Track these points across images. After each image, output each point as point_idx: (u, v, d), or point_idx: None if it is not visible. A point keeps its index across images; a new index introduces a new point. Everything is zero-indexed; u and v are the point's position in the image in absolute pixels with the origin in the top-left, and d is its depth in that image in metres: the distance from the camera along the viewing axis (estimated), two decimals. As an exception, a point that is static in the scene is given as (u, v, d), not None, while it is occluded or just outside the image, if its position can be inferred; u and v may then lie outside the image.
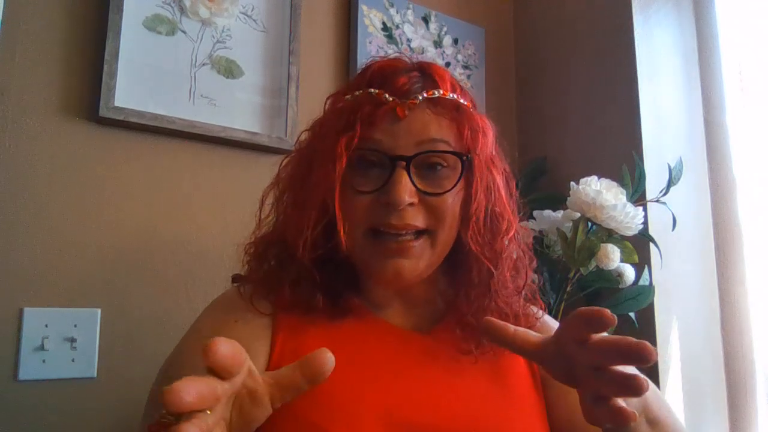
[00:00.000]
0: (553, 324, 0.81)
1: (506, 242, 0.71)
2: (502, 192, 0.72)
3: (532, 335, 0.51)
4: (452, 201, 0.68)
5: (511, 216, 0.72)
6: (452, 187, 0.67)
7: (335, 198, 0.65)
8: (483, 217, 0.69)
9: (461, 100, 0.70)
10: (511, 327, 0.51)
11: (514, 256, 0.73)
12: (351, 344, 0.69)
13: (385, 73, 0.70)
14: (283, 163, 0.76)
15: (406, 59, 0.74)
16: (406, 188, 0.64)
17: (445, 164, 0.67)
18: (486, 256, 0.69)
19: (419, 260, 0.67)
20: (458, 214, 0.69)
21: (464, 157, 0.68)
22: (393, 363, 0.68)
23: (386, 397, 0.64)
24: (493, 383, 0.70)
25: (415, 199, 0.65)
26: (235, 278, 0.78)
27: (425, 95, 0.67)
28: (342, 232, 0.65)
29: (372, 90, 0.68)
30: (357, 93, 0.69)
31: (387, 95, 0.67)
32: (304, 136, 0.76)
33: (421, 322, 0.74)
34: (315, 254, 0.67)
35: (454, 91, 0.70)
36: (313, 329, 0.68)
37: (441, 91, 0.69)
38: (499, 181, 0.72)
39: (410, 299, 0.74)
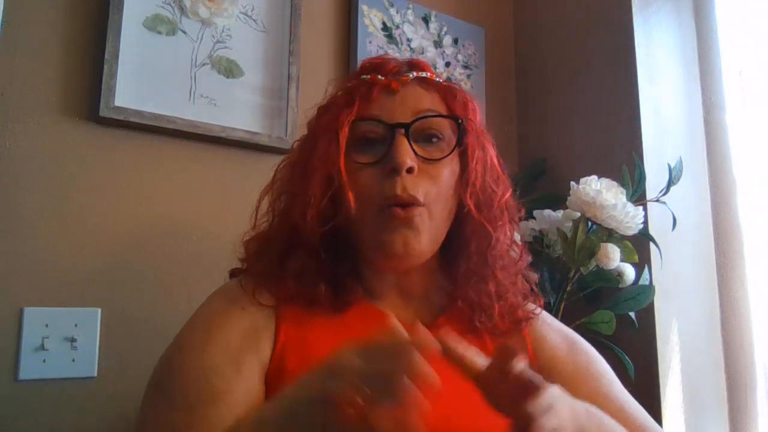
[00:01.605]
0: (551, 321, 0.82)
1: (500, 210, 0.74)
2: (495, 161, 0.76)
3: (480, 359, 0.51)
4: (449, 170, 0.71)
5: (506, 183, 0.76)
6: (451, 151, 0.71)
7: (341, 165, 0.68)
8: (481, 180, 0.72)
9: (445, 81, 0.75)
10: (461, 347, 0.51)
11: (509, 235, 0.76)
12: (353, 337, 0.69)
13: (375, 63, 0.75)
14: (280, 166, 0.78)
15: (392, 57, 0.79)
16: (408, 152, 0.67)
17: (441, 136, 0.71)
18: (485, 218, 0.72)
19: (422, 233, 0.69)
20: (455, 185, 0.72)
21: (460, 122, 0.72)
22: None
23: None
24: None
25: (415, 164, 0.68)
26: (234, 272, 0.79)
27: (415, 74, 0.73)
28: (351, 198, 0.67)
29: (364, 76, 0.73)
30: (350, 84, 0.74)
31: (380, 76, 0.72)
32: (297, 145, 0.78)
33: (422, 315, 0.75)
34: (323, 228, 0.69)
35: (439, 78, 0.75)
36: (316, 320, 0.69)
37: (429, 74, 0.74)
38: (492, 151, 0.76)
39: (408, 290, 0.75)
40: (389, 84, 0.71)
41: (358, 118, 0.69)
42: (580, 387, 0.73)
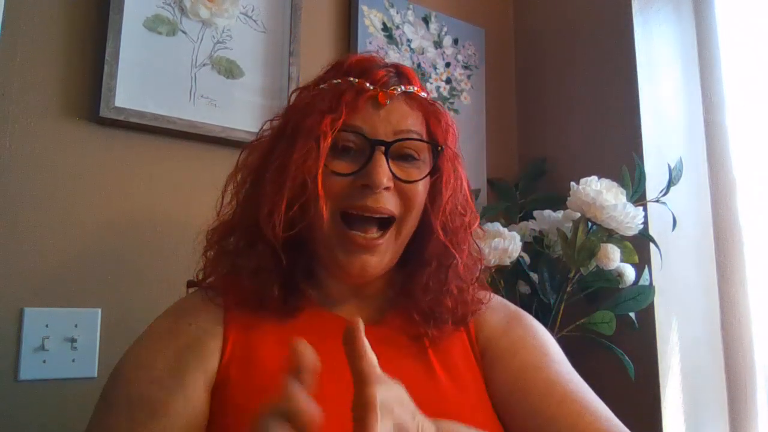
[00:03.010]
0: (497, 304, 0.81)
1: (467, 234, 0.75)
2: (466, 188, 0.77)
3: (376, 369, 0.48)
4: (422, 190, 0.72)
5: (474, 211, 0.77)
6: (426, 175, 0.72)
7: (318, 176, 0.67)
8: (451, 207, 0.74)
9: (431, 100, 0.75)
10: (365, 352, 0.48)
11: (469, 251, 0.76)
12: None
13: (362, 65, 0.73)
14: (247, 151, 0.77)
15: (379, 58, 0.77)
16: (385, 171, 0.68)
17: (418, 157, 0.72)
18: (451, 243, 0.73)
19: (385, 255, 0.70)
20: (424, 204, 0.73)
21: (439, 148, 0.72)
22: (344, 357, 0.69)
23: (338, 390, 0.65)
24: (442, 366, 0.72)
25: (390, 184, 0.69)
26: (190, 284, 0.79)
27: (403, 88, 0.72)
28: (324, 210, 0.67)
29: (352, 79, 0.71)
30: (335, 81, 0.72)
31: (368, 84, 0.70)
32: (267, 125, 0.78)
33: (374, 312, 0.76)
34: (287, 234, 0.68)
35: (423, 91, 0.75)
36: (265, 325, 0.70)
37: (415, 88, 0.73)
38: (464, 177, 0.76)
39: (365, 293, 0.75)
40: (376, 95, 0.70)
41: (342, 127, 0.68)
42: (512, 359, 0.73)
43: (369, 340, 0.70)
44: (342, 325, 0.71)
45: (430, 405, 0.68)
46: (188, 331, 0.68)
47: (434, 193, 0.74)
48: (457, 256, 0.73)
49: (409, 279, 0.75)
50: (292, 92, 0.78)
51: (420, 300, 0.73)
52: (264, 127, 0.78)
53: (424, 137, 0.72)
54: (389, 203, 0.69)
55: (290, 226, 0.68)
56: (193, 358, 0.66)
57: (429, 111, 0.73)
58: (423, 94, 0.74)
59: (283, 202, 0.68)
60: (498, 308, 0.80)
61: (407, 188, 0.70)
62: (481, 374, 0.74)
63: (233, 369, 0.66)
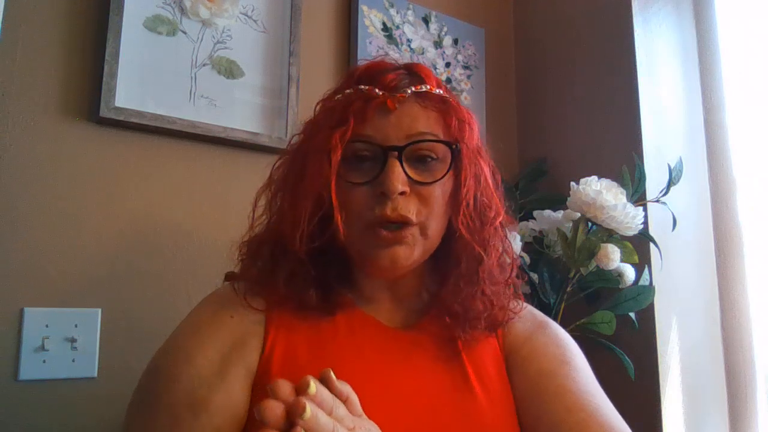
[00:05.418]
0: (532, 316, 0.81)
1: (494, 230, 0.74)
2: (490, 181, 0.75)
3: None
4: (442, 191, 0.70)
5: (499, 205, 0.75)
6: (443, 176, 0.70)
7: (332, 188, 0.67)
8: (472, 203, 0.72)
9: (446, 95, 0.73)
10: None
11: (500, 249, 0.75)
12: (339, 341, 0.70)
13: (372, 71, 0.73)
14: (276, 165, 0.77)
15: (392, 60, 0.77)
16: (399, 177, 0.67)
17: (435, 156, 0.70)
18: (476, 241, 0.72)
19: (413, 248, 0.69)
20: (447, 203, 0.71)
21: (453, 146, 0.71)
22: (379, 359, 0.70)
23: (373, 392, 0.65)
24: (475, 372, 0.72)
25: (407, 189, 0.68)
26: (229, 276, 0.79)
27: (413, 89, 0.70)
28: (339, 222, 0.67)
29: (362, 87, 0.70)
30: (347, 91, 0.72)
31: (377, 90, 0.70)
32: (296, 139, 0.78)
33: (409, 315, 0.76)
34: (311, 246, 0.69)
35: (439, 87, 0.73)
36: (304, 326, 0.70)
37: (428, 86, 0.72)
38: (487, 171, 0.75)
39: (399, 293, 0.75)
40: (385, 101, 0.69)
41: (352, 138, 0.68)
42: (530, 366, 0.73)
43: (400, 344, 0.72)
44: (375, 326, 0.73)
45: (459, 410, 0.69)
46: (230, 324, 0.69)
47: (455, 191, 0.72)
48: (483, 255, 0.72)
49: (441, 281, 0.75)
50: (316, 104, 0.77)
51: (451, 302, 0.73)
52: (292, 141, 0.78)
53: (441, 136, 0.70)
54: (408, 210, 0.68)
55: (314, 238, 0.69)
56: (236, 355, 0.66)
57: (443, 108, 0.72)
58: (437, 91, 0.72)
59: (303, 218, 0.68)
60: (526, 317, 0.80)
61: (425, 191, 0.69)
62: (509, 382, 0.74)
63: (274, 364, 0.67)
